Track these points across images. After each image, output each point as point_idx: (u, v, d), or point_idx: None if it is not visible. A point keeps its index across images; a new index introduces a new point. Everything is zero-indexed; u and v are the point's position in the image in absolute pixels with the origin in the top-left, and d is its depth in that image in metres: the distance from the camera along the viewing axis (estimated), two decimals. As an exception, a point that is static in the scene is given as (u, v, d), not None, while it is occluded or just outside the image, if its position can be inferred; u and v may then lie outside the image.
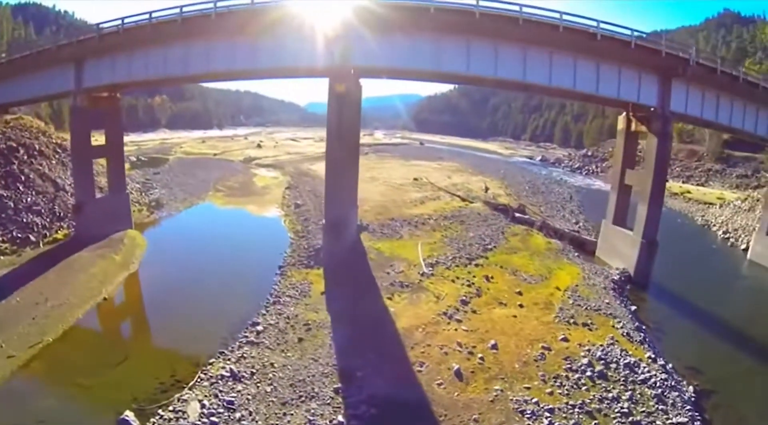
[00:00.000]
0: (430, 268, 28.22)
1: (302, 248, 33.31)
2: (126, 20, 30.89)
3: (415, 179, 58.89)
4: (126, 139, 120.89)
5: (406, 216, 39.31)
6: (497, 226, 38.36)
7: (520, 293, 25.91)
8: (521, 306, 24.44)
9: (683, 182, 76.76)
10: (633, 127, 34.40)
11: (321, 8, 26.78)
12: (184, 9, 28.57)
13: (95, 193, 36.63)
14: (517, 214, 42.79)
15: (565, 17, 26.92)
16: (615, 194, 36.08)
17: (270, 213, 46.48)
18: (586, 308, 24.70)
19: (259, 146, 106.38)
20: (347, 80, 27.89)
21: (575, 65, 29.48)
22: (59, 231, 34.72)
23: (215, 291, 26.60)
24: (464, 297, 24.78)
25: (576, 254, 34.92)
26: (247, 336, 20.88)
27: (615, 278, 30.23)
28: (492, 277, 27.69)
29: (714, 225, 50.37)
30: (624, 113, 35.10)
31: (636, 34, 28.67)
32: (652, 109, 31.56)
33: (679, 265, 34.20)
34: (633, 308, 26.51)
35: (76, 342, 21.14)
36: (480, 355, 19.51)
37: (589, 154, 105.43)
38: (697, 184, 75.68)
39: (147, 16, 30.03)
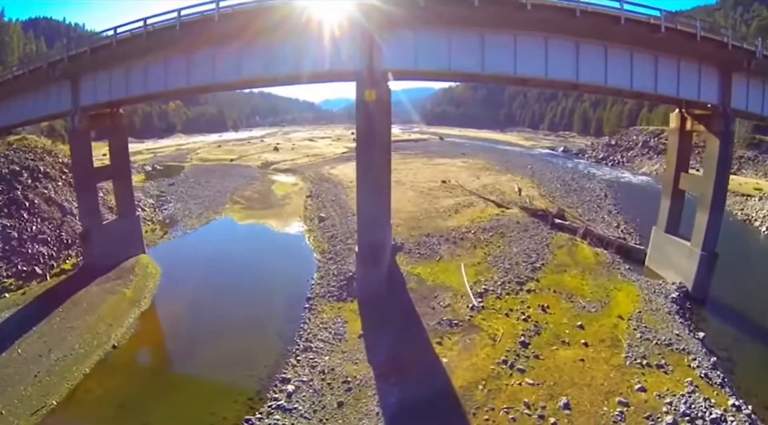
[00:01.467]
0: (479, 299, 24.53)
1: (331, 274, 29.64)
2: (119, 29, 27.17)
3: (443, 182, 55.06)
4: (142, 146, 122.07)
5: (442, 229, 35.55)
6: (540, 237, 34.55)
7: (581, 327, 22.23)
8: (586, 344, 20.82)
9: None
10: (688, 125, 30.30)
11: (346, 4, 22.91)
12: (183, 12, 24.63)
13: (102, 219, 33.95)
14: (557, 220, 38.90)
15: (626, 6, 22.85)
16: (668, 200, 31.98)
17: (292, 229, 42.81)
18: (657, 343, 21.10)
19: (276, 149, 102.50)
20: (378, 85, 24.17)
21: (632, 61, 25.43)
22: (67, 261, 31.90)
23: (237, 331, 23.41)
24: (523, 337, 21.16)
25: (627, 267, 31.15)
26: (277, 399, 17.55)
27: (674, 296, 26.48)
28: (548, 307, 23.98)
29: (755, 220, 46.27)
30: (676, 110, 31.04)
31: (699, 25, 24.50)
32: (709, 106, 27.53)
33: (728, 270, 29.68)
34: (701, 335, 22.73)
35: (81, 406, 18.19)
36: (552, 420, 15.97)
37: (613, 143, 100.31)
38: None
39: (141, 23, 26.17)
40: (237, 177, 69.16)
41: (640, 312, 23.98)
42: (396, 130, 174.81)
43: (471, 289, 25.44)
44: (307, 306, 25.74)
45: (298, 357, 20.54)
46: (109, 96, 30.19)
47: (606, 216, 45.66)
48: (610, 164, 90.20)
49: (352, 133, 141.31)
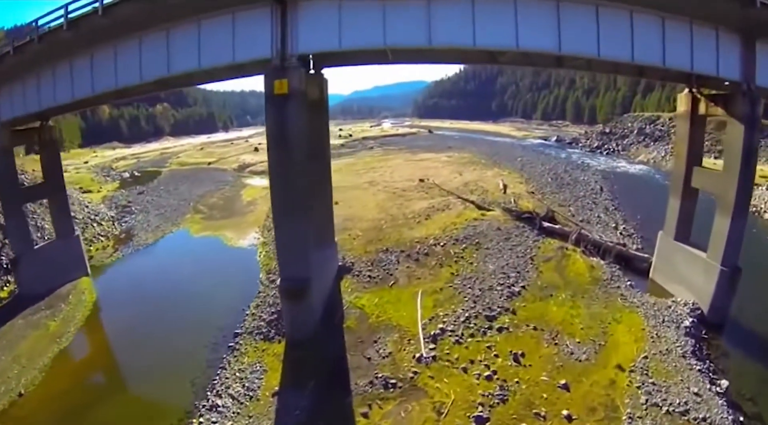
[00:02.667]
0: (432, 346, 18.17)
1: (267, 303, 23.63)
2: (40, 22, 21.37)
3: (422, 180, 48.61)
4: (128, 151, 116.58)
5: (405, 242, 29.11)
6: (523, 248, 28.19)
7: (566, 387, 16.01)
8: (570, 418, 14.57)
9: (715, 158, 64.98)
10: (701, 108, 23.82)
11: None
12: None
13: (34, 243, 30.15)
14: (546, 224, 32.56)
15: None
16: (677, 200, 25.61)
17: (247, 241, 36.93)
18: (668, 411, 14.98)
19: (256, 150, 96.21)
20: (291, 73, 17.92)
21: (632, 25, 18.89)
22: (5, 288, 27.79)
23: (149, 378, 19.15)
24: (481, 408, 14.94)
25: (628, 282, 25.01)
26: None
27: (688, 325, 20.28)
28: (523, 355, 17.64)
29: (765, 212, 40.54)
30: (686, 90, 24.62)
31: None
32: (728, 83, 21.15)
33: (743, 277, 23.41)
34: (724, 385, 16.63)
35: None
36: None
37: (607, 131, 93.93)
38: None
39: (62, 11, 20.26)
40: (208, 182, 63.92)
41: (645, 356, 17.74)
42: (386, 125, 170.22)
43: (423, 330, 19.08)
44: (232, 344, 20.75)
45: (201, 420, 15.84)
46: (38, 106, 24.91)
47: (602, 214, 39.15)
48: (605, 153, 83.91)
49: (340, 129, 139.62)
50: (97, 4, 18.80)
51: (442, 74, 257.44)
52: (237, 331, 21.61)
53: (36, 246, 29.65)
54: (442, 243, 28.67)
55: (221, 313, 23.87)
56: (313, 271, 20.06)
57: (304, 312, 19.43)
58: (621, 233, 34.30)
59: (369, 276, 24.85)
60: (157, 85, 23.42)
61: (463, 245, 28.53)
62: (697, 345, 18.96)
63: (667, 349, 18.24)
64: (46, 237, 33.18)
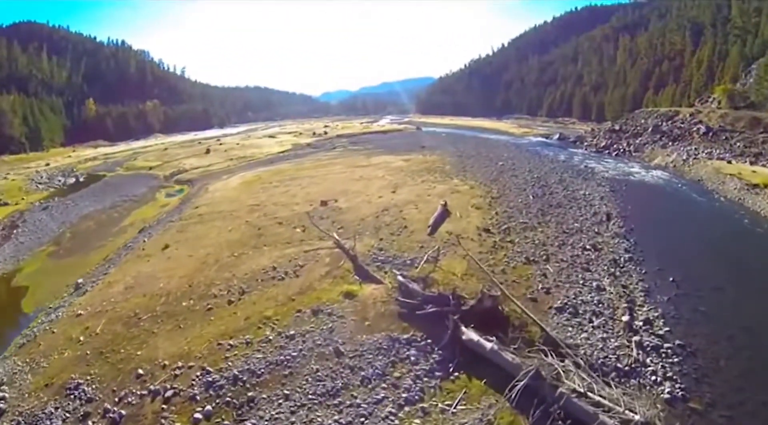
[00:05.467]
0: None
1: None
2: None
3: (324, 203, 29.39)
4: (106, 150, 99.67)
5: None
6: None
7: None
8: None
9: (751, 163, 43.65)
10: None
11: None
12: None
13: None
14: (468, 336, 12.96)
15: None
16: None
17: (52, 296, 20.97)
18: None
19: (207, 151, 79.13)
20: None
21: None
22: None
23: None
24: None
25: None
26: None
27: None
28: None
29: None
30: None
31: None
32: None
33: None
34: None
35: None
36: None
37: (617, 128, 72.50)
38: (773, 166, 42.74)
39: None
40: (118, 194, 48.70)
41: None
42: (384, 122, 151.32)
43: None
44: None
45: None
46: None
47: (606, 280, 18.89)
48: (614, 154, 63.06)
49: (325, 126, 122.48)
50: None
51: (447, 70, 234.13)
52: None
53: None
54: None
55: None
56: None
57: None
58: (643, 344, 14.22)
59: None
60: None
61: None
62: None
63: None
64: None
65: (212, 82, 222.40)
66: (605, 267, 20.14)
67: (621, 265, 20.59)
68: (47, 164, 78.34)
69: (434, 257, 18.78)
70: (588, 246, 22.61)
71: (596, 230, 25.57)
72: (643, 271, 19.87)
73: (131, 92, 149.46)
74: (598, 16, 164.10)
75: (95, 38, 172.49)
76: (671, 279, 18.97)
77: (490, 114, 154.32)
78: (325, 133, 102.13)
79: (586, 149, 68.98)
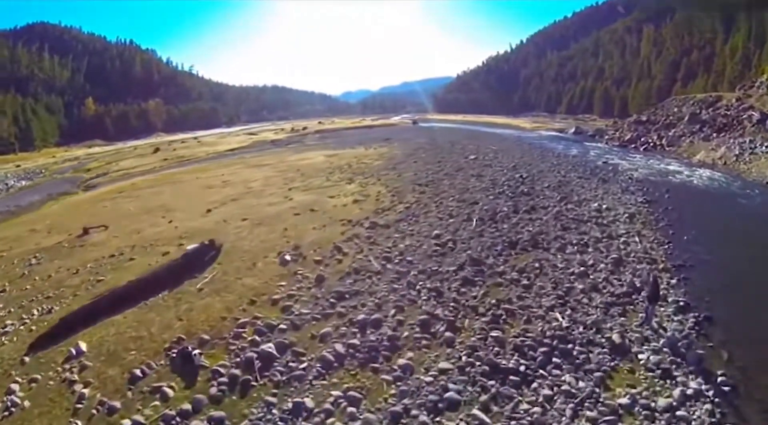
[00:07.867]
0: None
1: None
2: None
3: (85, 231, 17.74)
4: (83, 152, 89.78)
5: None
6: None
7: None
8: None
9: None
10: None
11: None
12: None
13: None
14: None
15: None
16: None
17: None
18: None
19: (156, 150, 73.20)
20: None
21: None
22: None
23: None
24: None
25: None
26: None
27: None
28: None
29: None
30: None
31: None
32: None
33: None
34: None
35: None
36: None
37: (644, 119, 58.55)
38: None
39: None
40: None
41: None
42: (395, 119, 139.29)
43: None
44: None
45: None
46: None
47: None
48: (641, 148, 49.83)
49: (319, 123, 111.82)
50: None
51: (465, 68, 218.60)
52: None
53: None
54: None
55: None
56: None
57: None
58: None
59: None
60: None
61: None
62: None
63: None
64: None
65: (230, 82, 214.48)
66: None
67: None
68: (18, 165, 73.26)
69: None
70: None
71: (625, 342, 11.04)
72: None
73: (135, 91, 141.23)
74: (619, 11, 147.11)
75: (105, 38, 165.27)
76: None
77: (507, 112, 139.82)
78: (305, 128, 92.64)
79: (606, 143, 55.32)
